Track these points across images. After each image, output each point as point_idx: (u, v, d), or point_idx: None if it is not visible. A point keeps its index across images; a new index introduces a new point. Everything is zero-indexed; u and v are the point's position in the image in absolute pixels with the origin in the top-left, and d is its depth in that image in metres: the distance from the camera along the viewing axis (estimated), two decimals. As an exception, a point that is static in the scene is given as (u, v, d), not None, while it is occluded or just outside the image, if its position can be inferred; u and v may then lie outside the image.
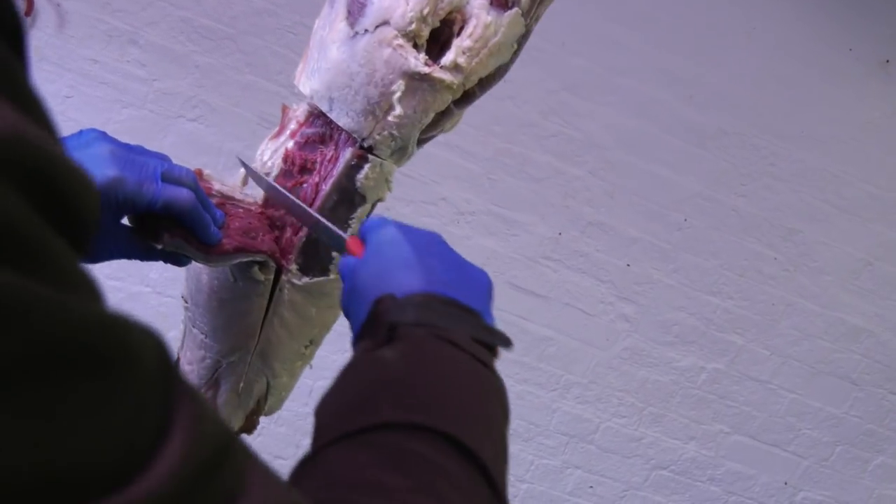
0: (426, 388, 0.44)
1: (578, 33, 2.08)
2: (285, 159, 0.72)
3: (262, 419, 0.84)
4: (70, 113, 1.94)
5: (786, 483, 2.48)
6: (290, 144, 0.72)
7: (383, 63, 0.65)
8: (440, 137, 0.79)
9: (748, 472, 2.47)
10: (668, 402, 2.38)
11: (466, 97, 0.71)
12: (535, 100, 2.11)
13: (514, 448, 2.29)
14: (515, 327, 2.22)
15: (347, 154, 0.70)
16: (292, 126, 0.72)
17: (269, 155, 0.72)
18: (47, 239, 0.22)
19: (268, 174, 0.72)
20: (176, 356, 0.80)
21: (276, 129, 0.74)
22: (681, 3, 2.11)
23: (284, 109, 0.74)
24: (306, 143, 0.72)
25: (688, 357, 2.35)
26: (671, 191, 2.21)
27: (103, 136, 0.60)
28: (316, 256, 0.72)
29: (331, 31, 0.69)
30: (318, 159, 0.71)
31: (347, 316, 0.57)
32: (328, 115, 0.70)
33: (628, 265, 2.26)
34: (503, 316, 2.10)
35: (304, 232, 0.72)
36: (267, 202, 0.73)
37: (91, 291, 0.24)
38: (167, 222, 0.62)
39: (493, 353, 0.53)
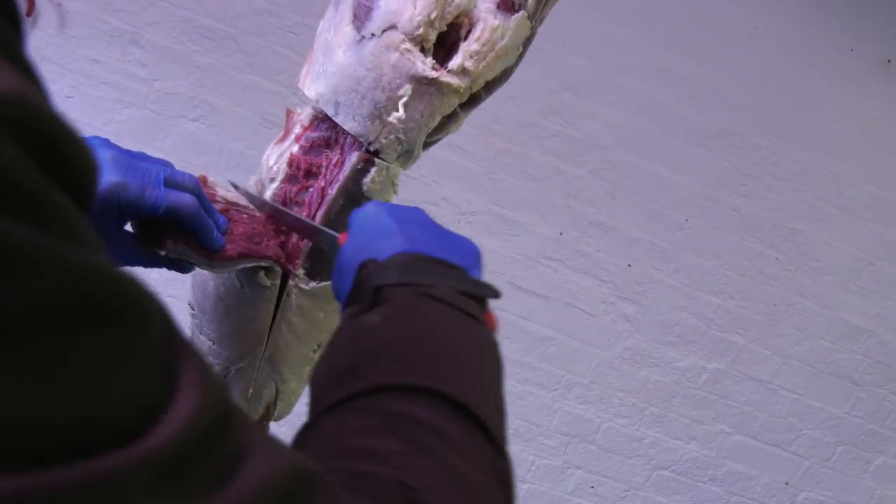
0: (413, 347, 0.44)
1: (579, 33, 2.08)
2: (290, 164, 0.71)
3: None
4: (71, 113, 1.93)
5: (787, 483, 2.49)
6: (295, 149, 0.71)
7: (390, 67, 0.65)
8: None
9: (749, 472, 2.47)
10: (670, 402, 2.38)
11: (472, 100, 0.71)
12: (536, 100, 2.11)
13: (515, 448, 2.29)
14: (516, 327, 2.21)
15: (354, 158, 0.69)
16: (297, 130, 0.72)
17: (275, 160, 0.72)
18: (50, 193, 0.22)
19: (273, 179, 0.72)
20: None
21: (281, 133, 0.74)
22: (682, 2, 2.11)
23: (289, 113, 0.74)
24: (311, 148, 0.71)
25: (689, 357, 2.35)
26: (672, 191, 2.21)
27: (106, 142, 0.60)
28: (323, 261, 0.72)
29: (336, 34, 0.68)
30: (324, 163, 0.71)
31: (338, 297, 0.56)
32: (334, 119, 0.69)
33: (629, 265, 2.26)
34: (504, 316, 2.10)
35: (310, 237, 0.72)
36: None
37: (98, 248, 0.24)
38: (171, 228, 0.61)
39: (483, 306, 0.52)
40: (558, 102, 2.12)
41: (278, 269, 0.72)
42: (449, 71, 0.66)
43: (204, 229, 0.63)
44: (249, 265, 0.69)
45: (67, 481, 0.21)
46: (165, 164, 0.62)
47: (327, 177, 0.71)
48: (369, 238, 0.54)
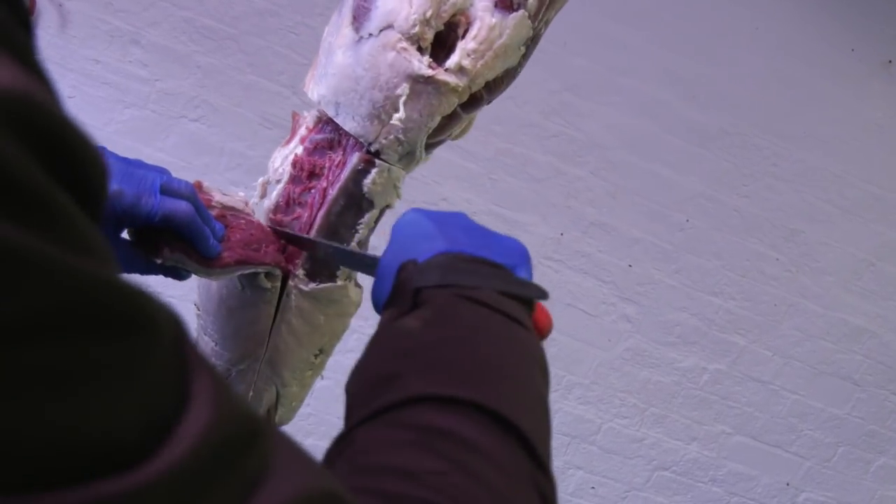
0: (451, 355, 0.42)
1: (580, 33, 2.08)
2: (294, 165, 0.72)
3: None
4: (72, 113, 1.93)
5: (788, 484, 2.48)
6: (300, 150, 0.72)
7: (387, 66, 0.65)
8: (442, 138, 0.79)
9: (750, 472, 2.47)
10: (670, 402, 2.38)
11: (473, 101, 0.71)
12: (537, 100, 2.11)
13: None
14: (517, 328, 2.21)
15: (354, 159, 0.70)
16: (302, 132, 0.73)
17: (280, 161, 0.73)
18: (54, 195, 0.21)
19: (279, 181, 0.72)
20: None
21: (287, 135, 0.74)
22: (683, 2, 2.11)
23: (295, 116, 0.74)
24: (315, 149, 0.72)
25: (690, 358, 2.35)
26: (673, 191, 2.21)
27: (101, 149, 0.59)
28: (323, 261, 0.72)
29: (337, 36, 0.69)
30: (327, 164, 0.71)
31: (376, 307, 0.53)
32: (335, 119, 0.70)
33: (630, 266, 2.25)
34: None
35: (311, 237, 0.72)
36: (276, 209, 0.73)
37: (107, 257, 0.23)
38: (167, 236, 0.61)
39: (530, 308, 0.49)
40: (559, 103, 2.12)
41: (279, 272, 0.72)
42: (446, 70, 0.66)
43: (200, 237, 0.62)
44: (247, 272, 0.69)
45: None
46: (162, 171, 0.62)
47: (329, 177, 0.71)
48: (409, 241, 0.52)
